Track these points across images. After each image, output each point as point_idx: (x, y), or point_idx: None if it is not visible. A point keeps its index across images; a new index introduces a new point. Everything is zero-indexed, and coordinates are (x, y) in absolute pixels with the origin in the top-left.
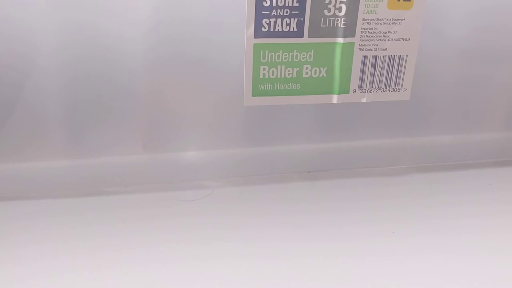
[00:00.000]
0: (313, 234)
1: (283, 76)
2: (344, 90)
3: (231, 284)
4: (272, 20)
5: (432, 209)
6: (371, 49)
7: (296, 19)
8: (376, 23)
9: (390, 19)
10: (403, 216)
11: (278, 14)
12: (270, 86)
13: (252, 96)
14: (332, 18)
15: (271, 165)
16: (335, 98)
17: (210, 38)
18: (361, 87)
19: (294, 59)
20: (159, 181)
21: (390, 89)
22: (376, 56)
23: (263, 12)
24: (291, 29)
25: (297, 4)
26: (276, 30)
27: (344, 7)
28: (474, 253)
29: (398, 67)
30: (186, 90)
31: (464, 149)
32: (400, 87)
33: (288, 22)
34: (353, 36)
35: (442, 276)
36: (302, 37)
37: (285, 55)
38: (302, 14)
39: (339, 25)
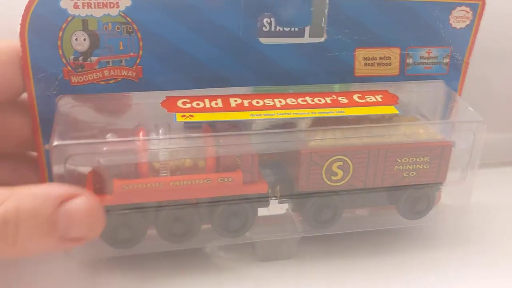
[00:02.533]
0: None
1: None
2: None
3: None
4: (274, 19)
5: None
6: None
7: None
8: None
9: None
10: None
11: None
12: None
13: None
14: None
15: None
16: None
17: None
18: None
19: None
20: None
21: None
22: None
23: (264, 12)
24: (292, 29)
25: None
26: (278, 30)
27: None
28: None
29: None
30: None
31: None
32: None
33: None
34: None
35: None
36: (303, 37)
37: None
38: None
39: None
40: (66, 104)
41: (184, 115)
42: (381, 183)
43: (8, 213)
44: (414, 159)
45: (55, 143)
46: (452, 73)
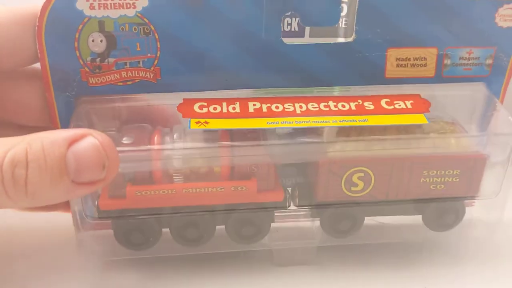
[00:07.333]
0: None
1: None
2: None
3: None
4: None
5: None
6: None
7: (297, 19)
8: None
9: None
10: None
11: None
12: None
13: None
14: None
15: None
16: None
17: None
18: None
19: None
20: None
21: None
22: None
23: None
24: (292, 29)
25: None
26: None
27: (345, 7)
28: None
29: None
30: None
31: None
32: None
33: (289, 22)
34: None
35: None
36: (303, 37)
37: None
38: None
39: (340, 25)
40: (82, 106)
41: (199, 122)
42: (405, 195)
43: (18, 155)
44: (443, 171)
45: None
46: (495, 75)
